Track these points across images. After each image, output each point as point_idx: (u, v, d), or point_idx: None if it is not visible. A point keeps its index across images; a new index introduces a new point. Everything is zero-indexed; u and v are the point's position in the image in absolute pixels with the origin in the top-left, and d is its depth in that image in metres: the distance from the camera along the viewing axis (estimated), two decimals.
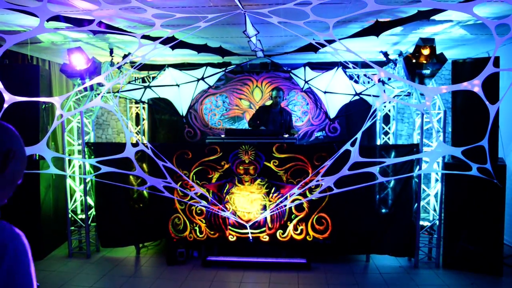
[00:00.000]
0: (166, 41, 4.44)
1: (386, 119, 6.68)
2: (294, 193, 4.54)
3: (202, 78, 6.12)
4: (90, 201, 5.13)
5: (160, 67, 6.16)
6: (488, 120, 3.47)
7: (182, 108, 6.44)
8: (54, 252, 5.12)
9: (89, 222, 5.05)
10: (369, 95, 5.58)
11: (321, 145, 5.49)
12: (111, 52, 5.45)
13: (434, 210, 5.03)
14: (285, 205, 4.63)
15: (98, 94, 4.65)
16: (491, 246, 4.37)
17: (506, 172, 4.32)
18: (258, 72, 6.64)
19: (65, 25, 4.11)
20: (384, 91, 4.73)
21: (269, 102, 6.10)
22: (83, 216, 5.14)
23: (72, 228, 5.17)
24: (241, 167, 4.73)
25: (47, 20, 3.51)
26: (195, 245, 4.93)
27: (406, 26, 4.24)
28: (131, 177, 4.90)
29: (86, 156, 4.88)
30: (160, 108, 6.54)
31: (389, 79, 5.23)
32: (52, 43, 5.10)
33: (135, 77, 6.70)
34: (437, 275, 4.44)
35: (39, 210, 4.84)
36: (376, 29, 4.17)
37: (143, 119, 7.12)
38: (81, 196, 5.41)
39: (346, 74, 5.82)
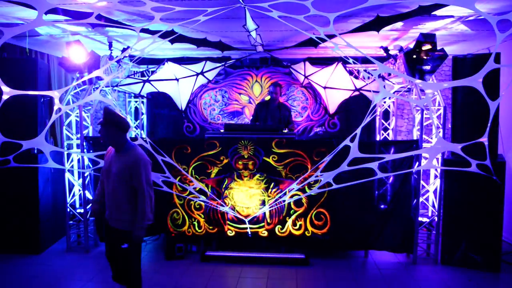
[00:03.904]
0: (165, 35, 4.42)
1: (386, 115, 6.67)
2: (293, 188, 4.54)
3: (202, 73, 6.09)
4: (89, 195, 5.12)
5: (159, 61, 6.12)
6: (488, 117, 3.46)
7: (181, 102, 6.42)
8: (52, 246, 5.11)
9: (87, 217, 5.05)
10: (369, 91, 5.56)
11: (320, 141, 5.47)
12: (110, 45, 5.42)
13: (433, 206, 5.04)
14: (284, 201, 4.63)
15: (97, 88, 4.62)
16: (490, 243, 4.38)
17: (505, 169, 4.32)
18: (257, 67, 6.61)
19: (63, 18, 4.08)
20: (384, 86, 4.71)
21: (268, 97, 6.09)
22: (82, 210, 5.14)
23: (71, 222, 5.17)
24: (240, 162, 4.72)
25: (46, 13, 3.49)
26: (193, 240, 4.94)
27: (406, 21, 4.22)
28: None
29: (85, 150, 4.87)
30: (159, 103, 6.52)
31: (389, 74, 5.20)
32: (50, 36, 5.07)
33: (134, 71, 6.66)
34: (435, 271, 4.46)
35: (37, 204, 4.82)
36: (376, 24, 4.14)
37: (142, 114, 7.10)
38: (79, 190, 5.40)
39: (346, 70, 5.80)
